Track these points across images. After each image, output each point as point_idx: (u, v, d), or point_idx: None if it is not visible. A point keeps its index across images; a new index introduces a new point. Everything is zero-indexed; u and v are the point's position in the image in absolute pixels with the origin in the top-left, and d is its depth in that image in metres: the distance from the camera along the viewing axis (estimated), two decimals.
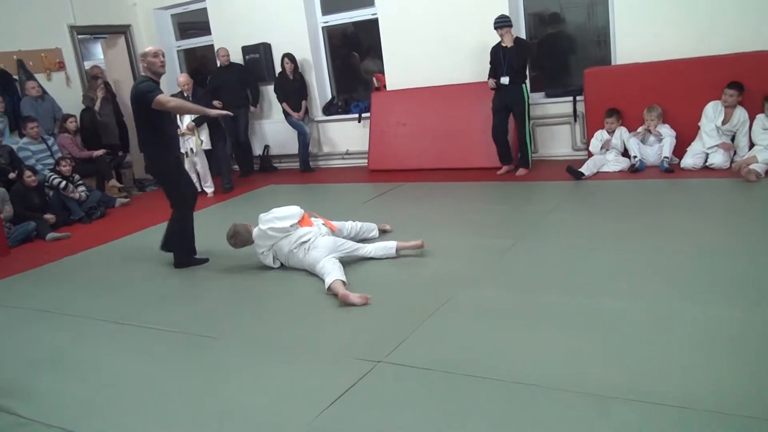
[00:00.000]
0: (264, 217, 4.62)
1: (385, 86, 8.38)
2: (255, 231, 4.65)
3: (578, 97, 7.18)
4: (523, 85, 6.82)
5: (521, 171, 6.91)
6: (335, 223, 4.81)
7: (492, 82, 6.86)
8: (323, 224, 4.71)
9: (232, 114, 4.96)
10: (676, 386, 2.57)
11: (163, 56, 4.78)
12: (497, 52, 6.86)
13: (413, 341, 3.26)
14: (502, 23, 6.74)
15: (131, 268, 5.30)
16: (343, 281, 4.01)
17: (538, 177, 6.75)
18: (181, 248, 5.07)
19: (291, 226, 4.53)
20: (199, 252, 5.20)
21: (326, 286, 4.02)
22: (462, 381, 2.82)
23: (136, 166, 9.73)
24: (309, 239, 4.48)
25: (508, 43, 6.76)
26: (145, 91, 4.61)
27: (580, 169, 6.37)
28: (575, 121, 7.31)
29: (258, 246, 4.66)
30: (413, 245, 4.59)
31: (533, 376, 2.78)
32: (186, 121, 7.65)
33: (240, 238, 4.71)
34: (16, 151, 7.57)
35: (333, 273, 4.07)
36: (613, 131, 6.61)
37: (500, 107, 6.96)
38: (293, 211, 4.61)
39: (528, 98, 6.89)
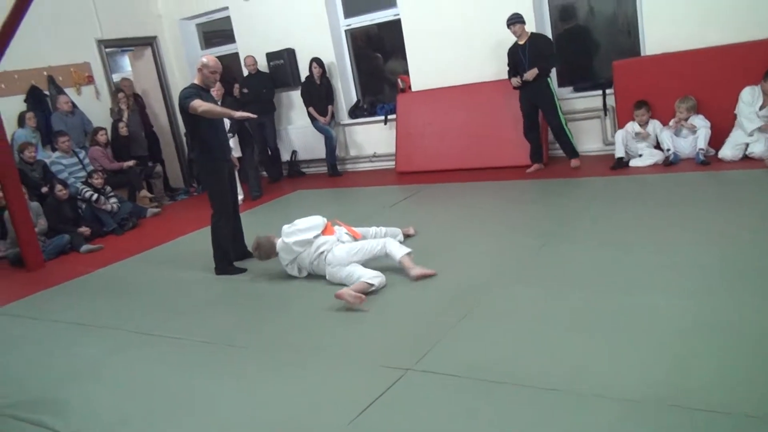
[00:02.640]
0: (287, 230, 4.63)
1: (410, 87, 8.36)
2: (279, 243, 4.65)
3: (608, 91, 7.05)
4: (548, 79, 6.75)
5: (575, 162, 6.83)
6: (358, 230, 4.80)
7: (516, 81, 6.79)
8: (346, 232, 4.69)
9: (255, 116, 5.07)
10: (715, 390, 2.48)
11: (219, 75, 5.01)
12: (515, 51, 6.81)
13: (442, 347, 3.23)
14: (514, 20, 6.69)
15: (162, 278, 5.37)
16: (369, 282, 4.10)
17: (569, 173, 6.64)
18: (215, 255, 5.16)
19: (314, 237, 4.53)
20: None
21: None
22: (493, 388, 2.78)
23: (170, 174, 9.88)
24: (325, 250, 4.47)
25: (522, 39, 6.70)
26: (183, 97, 4.83)
27: (618, 157, 6.41)
28: (605, 115, 7.17)
29: (282, 258, 4.67)
30: (417, 273, 4.22)
31: (566, 381, 2.72)
32: None
33: (263, 250, 4.72)
34: (49, 165, 7.74)
35: (369, 274, 4.18)
36: (645, 123, 6.47)
37: (527, 106, 6.89)
38: (315, 222, 4.61)
39: (555, 91, 6.80)
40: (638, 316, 3.19)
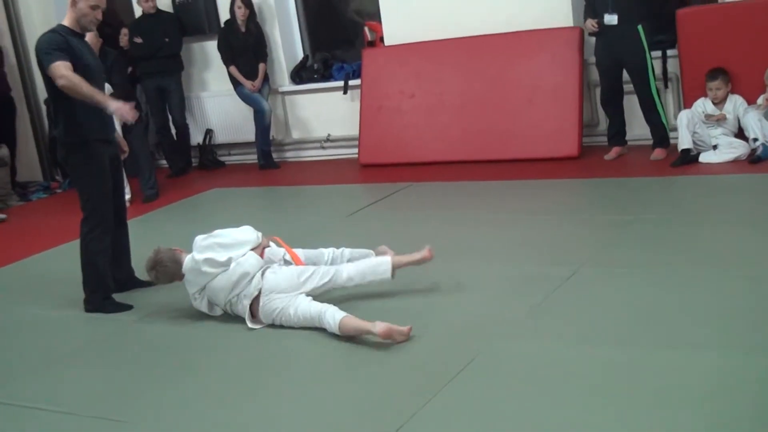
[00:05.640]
0: (201, 243, 4.62)
1: (382, 39, 8.41)
2: (186, 261, 4.63)
3: (670, 52, 7.18)
4: (639, 27, 6.83)
5: (658, 153, 6.94)
6: (304, 254, 4.78)
7: (592, 24, 6.90)
8: (285, 257, 4.69)
9: (137, 114, 5.04)
10: None
11: (103, 12, 4.97)
12: None
13: (422, 420, 3.25)
14: None
15: (3, 316, 5.31)
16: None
17: (613, 171, 6.74)
18: (86, 283, 5.12)
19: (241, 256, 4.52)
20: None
21: (336, 327, 4.10)
22: None
23: (21, 160, 9.76)
24: (250, 274, 4.43)
25: None
26: (42, 50, 4.77)
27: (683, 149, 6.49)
28: (666, 86, 7.29)
29: (188, 283, 4.62)
30: (417, 259, 4.61)
31: None
32: None
33: (164, 269, 4.68)
34: None
35: (328, 310, 4.19)
36: (722, 101, 6.58)
37: (608, 63, 7.02)
38: (245, 237, 4.61)
39: (648, 46, 6.90)
40: (699, 383, 3.23)
